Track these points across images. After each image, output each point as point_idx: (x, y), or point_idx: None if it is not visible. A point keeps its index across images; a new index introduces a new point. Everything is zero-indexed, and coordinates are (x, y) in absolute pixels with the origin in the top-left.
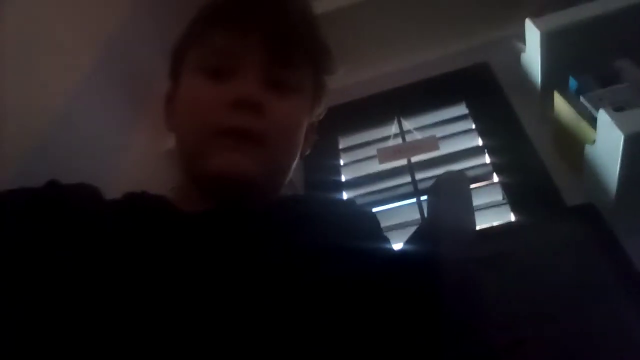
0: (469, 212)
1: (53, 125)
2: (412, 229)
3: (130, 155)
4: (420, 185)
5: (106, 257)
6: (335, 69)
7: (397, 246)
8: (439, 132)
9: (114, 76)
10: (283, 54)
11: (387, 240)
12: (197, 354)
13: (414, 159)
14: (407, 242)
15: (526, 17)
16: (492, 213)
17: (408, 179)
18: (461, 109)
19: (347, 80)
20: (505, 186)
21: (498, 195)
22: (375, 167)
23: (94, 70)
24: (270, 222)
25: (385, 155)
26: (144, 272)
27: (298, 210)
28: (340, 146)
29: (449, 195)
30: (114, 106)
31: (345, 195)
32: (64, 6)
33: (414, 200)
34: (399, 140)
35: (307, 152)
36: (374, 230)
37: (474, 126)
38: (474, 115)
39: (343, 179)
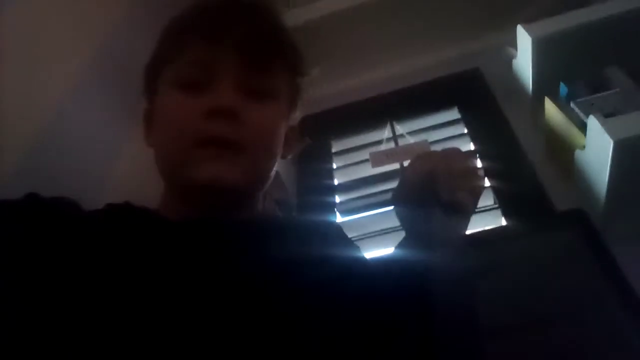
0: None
1: (48, 125)
2: (404, 234)
3: (126, 154)
4: None
5: (85, 269)
6: (308, 70)
7: (388, 251)
8: (431, 136)
9: (109, 75)
10: (256, 61)
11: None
12: (169, 357)
13: (406, 163)
14: (397, 247)
15: (518, 23)
16: (483, 217)
17: None
18: (453, 114)
19: (340, 85)
20: (496, 191)
21: (489, 200)
22: (368, 171)
23: (89, 69)
24: (250, 233)
25: (378, 159)
26: (124, 284)
27: (277, 223)
28: (333, 150)
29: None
30: (108, 105)
31: (337, 199)
32: (59, 8)
33: None
34: (392, 145)
35: (289, 156)
36: (351, 244)
37: (465, 131)
38: (466, 120)
39: (336, 182)
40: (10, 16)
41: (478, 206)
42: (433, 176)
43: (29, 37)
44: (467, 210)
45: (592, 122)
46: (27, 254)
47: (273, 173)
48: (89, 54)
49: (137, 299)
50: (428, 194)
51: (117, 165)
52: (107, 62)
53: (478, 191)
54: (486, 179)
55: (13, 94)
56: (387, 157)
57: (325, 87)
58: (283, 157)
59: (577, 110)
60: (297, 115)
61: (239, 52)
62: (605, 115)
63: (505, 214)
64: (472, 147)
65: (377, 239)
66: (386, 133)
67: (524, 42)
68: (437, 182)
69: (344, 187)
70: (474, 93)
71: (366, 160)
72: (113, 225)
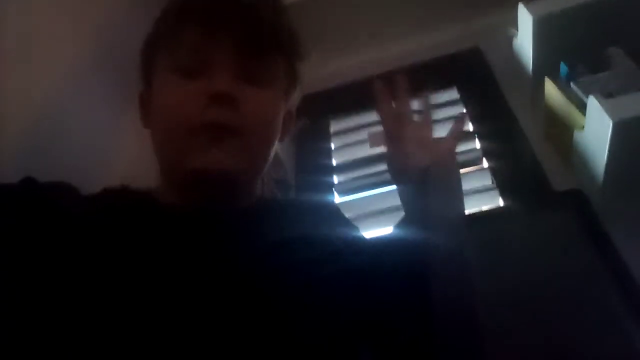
0: (458, 196)
1: (46, 116)
2: (403, 213)
3: (125, 144)
4: None
5: (81, 255)
6: (305, 55)
7: (387, 231)
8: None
9: (108, 66)
10: (253, 46)
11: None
12: (167, 348)
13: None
14: (396, 227)
15: (519, 2)
16: (481, 198)
17: None
18: (453, 94)
19: (339, 64)
20: (494, 171)
21: (487, 180)
22: (367, 151)
23: (88, 60)
24: (249, 221)
25: (377, 139)
26: (121, 270)
27: (275, 209)
28: (332, 130)
29: (438, 181)
30: (107, 96)
31: (335, 179)
32: None
33: None
34: None
35: (286, 139)
36: (349, 225)
37: (465, 111)
38: (465, 100)
39: (334, 162)
40: (9, 7)
41: (475, 186)
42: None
43: (27, 28)
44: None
45: (592, 103)
46: (23, 240)
47: (271, 157)
48: (88, 44)
49: (135, 286)
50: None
51: (116, 155)
52: (106, 53)
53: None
54: (484, 159)
55: (11, 86)
56: None
57: (323, 67)
58: (280, 140)
59: (577, 90)
60: (295, 100)
61: (235, 38)
62: (606, 96)
63: (503, 195)
64: (471, 127)
65: (375, 219)
66: None
67: (525, 21)
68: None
69: (343, 167)
70: (474, 73)
71: (365, 141)
72: (110, 211)
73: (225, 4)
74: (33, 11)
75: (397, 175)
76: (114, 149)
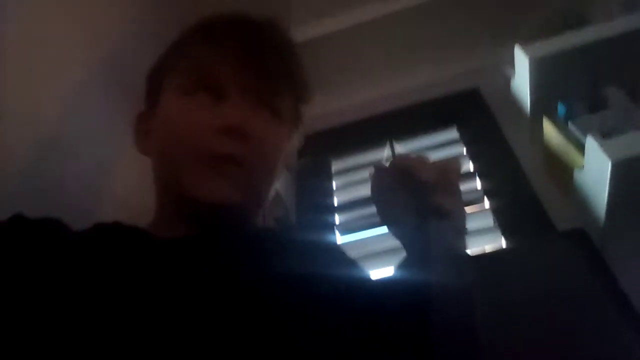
0: (462, 231)
1: (51, 132)
2: (404, 254)
3: (128, 163)
4: None
5: (73, 290)
6: (311, 98)
7: (388, 271)
8: (430, 156)
9: (114, 85)
10: (272, 81)
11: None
12: None
13: None
14: (398, 267)
15: (516, 43)
16: (482, 238)
17: None
18: (452, 134)
19: (340, 104)
20: (496, 211)
21: (489, 221)
22: (368, 190)
23: (95, 78)
24: (248, 247)
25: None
26: (112, 306)
27: (276, 237)
28: (333, 169)
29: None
30: (112, 115)
31: (337, 219)
32: (65, 16)
33: None
34: None
35: (282, 176)
36: (351, 261)
37: (464, 151)
38: (465, 139)
39: (336, 202)
40: (15, 22)
41: (477, 227)
42: (402, 185)
43: (33, 45)
44: (450, 211)
45: (590, 143)
46: (13, 277)
47: (272, 193)
48: (96, 61)
49: (128, 320)
50: (408, 207)
51: (119, 172)
52: (113, 72)
53: (452, 189)
54: (485, 199)
55: (17, 100)
56: None
57: (324, 106)
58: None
59: (575, 130)
60: (297, 143)
61: (255, 69)
62: (604, 135)
63: (505, 235)
64: (471, 167)
65: (378, 259)
66: (386, 152)
67: (522, 62)
68: (408, 191)
69: (344, 207)
70: (473, 113)
71: (366, 180)
72: (101, 246)
73: (244, 35)
74: (41, 28)
75: (402, 219)
76: (118, 166)
